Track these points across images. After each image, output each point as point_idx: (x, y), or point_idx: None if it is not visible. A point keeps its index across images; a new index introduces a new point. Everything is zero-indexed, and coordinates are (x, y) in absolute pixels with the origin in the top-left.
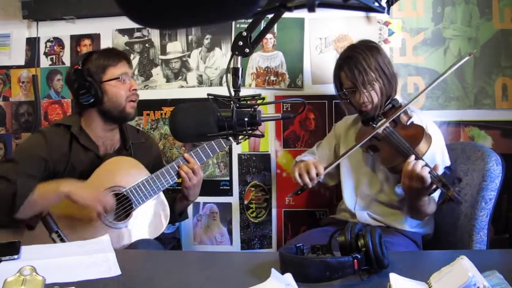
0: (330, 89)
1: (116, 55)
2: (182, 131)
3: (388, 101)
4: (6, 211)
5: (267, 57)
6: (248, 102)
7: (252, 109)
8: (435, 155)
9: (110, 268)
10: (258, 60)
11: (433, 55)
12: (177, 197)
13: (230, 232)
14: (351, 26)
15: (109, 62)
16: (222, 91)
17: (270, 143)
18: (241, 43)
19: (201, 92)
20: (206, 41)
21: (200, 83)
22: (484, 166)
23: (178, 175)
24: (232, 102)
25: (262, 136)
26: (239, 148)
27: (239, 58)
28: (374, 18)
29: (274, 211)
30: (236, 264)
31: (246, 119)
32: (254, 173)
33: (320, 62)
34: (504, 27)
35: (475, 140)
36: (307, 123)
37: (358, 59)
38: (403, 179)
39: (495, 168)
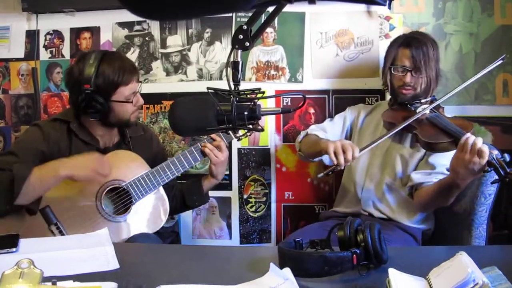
0: (330, 83)
1: (129, 73)
2: (181, 125)
3: (430, 95)
4: (6, 198)
5: (267, 51)
6: (248, 96)
7: (252, 103)
8: None
9: (109, 261)
10: (258, 54)
11: None
12: (202, 178)
13: (229, 226)
14: (352, 21)
15: (121, 81)
16: (222, 85)
17: (269, 137)
18: (241, 36)
19: (201, 86)
20: (206, 35)
21: (200, 77)
22: None
23: (202, 154)
24: (231, 96)
25: (262, 130)
26: (239, 142)
27: (239, 51)
28: (375, 13)
29: (273, 206)
30: (234, 258)
31: (245, 113)
32: (253, 168)
33: (320, 57)
34: (505, 23)
35: (475, 136)
36: (307, 118)
37: (426, 44)
38: (460, 154)
39: (508, 160)
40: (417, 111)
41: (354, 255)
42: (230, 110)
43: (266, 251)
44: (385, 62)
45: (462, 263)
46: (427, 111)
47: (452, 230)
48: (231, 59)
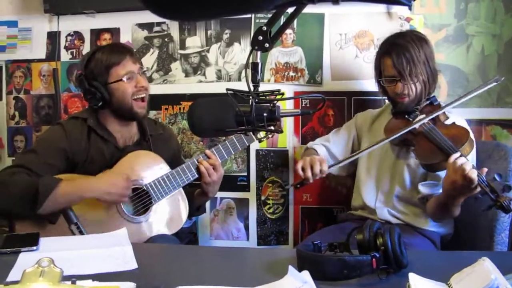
0: (349, 85)
1: (118, 52)
2: (200, 126)
3: (427, 98)
4: (28, 206)
5: (286, 52)
6: (267, 97)
7: (271, 105)
8: (473, 161)
9: (127, 261)
10: (277, 55)
11: (455, 52)
12: (195, 192)
13: (246, 227)
14: (371, 22)
15: (112, 61)
16: (241, 86)
17: (288, 139)
18: (260, 37)
19: (220, 87)
20: (225, 36)
21: (219, 78)
22: (507, 166)
23: (198, 170)
24: (251, 97)
25: (281, 131)
26: (257, 143)
27: (259, 53)
28: (395, 14)
29: (291, 208)
30: (252, 260)
31: (265, 114)
32: (271, 169)
33: (339, 58)
34: None
35: (496, 139)
36: (326, 120)
37: (408, 47)
38: (450, 174)
39: (500, 182)
40: (414, 122)
41: (374, 259)
42: (249, 111)
43: (284, 253)
44: (374, 73)
45: (485, 269)
46: (417, 125)
47: (473, 235)
48: (251, 60)
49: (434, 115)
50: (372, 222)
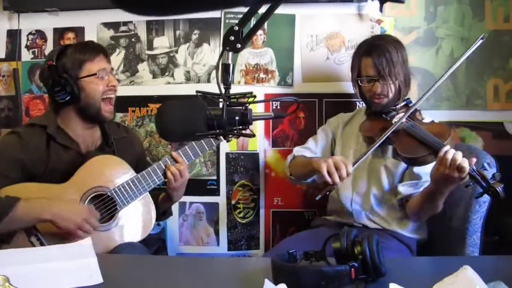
0: (320, 87)
1: (93, 49)
2: (168, 130)
3: (402, 99)
4: None
5: (256, 53)
6: (239, 100)
7: (243, 108)
8: None
9: (91, 275)
10: (247, 56)
11: (426, 55)
12: (160, 197)
13: (217, 232)
14: (342, 24)
15: (86, 57)
16: (211, 88)
17: (258, 142)
18: (232, 38)
19: (189, 89)
20: (194, 36)
21: (188, 79)
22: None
23: (165, 175)
24: (222, 99)
25: (253, 135)
26: (227, 146)
27: (230, 53)
28: (366, 16)
29: (262, 212)
30: (225, 270)
31: (237, 118)
32: (242, 173)
33: (310, 60)
34: (496, 28)
35: (465, 141)
36: (297, 122)
37: (388, 49)
38: (439, 167)
39: (489, 170)
40: (393, 121)
41: (352, 269)
42: (220, 115)
43: (257, 262)
44: (351, 74)
45: (468, 279)
46: (404, 120)
47: (446, 238)
48: (221, 62)
49: (411, 110)
50: (349, 229)
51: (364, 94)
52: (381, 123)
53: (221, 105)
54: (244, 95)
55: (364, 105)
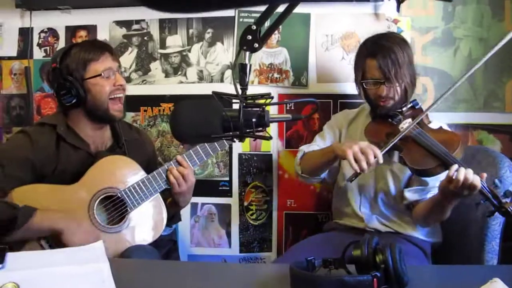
0: (335, 88)
1: (98, 48)
2: (183, 132)
3: (409, 101)
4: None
5: (270, 53)
6: (256, 101)
7: (261, 109)
8: None
9: (103, 280)
10: (261, 56)
11: (443, 56)
12: (167, 201)
13: (228, 234)
14: (358, 23)
15: (90, 57)
16: (224, 88)
17: (272, 143)
18: (249, 37)
19: (201, 88)
20: (207, 35)
21: (201, 79)
22: (496, 173)
23: (168, 180)
24: (239, 101)
25: (270, 138)
26: (240, 147)
27: (247, 53)
28: (382, 15)
29: (274, 214)
30: (238, 277)
31: (254, 119)
32: (254, 174)
33: (325, 60)
34: None
35: (483, 144)
36: (311, 123)
37: (393, 49)
38: (449, 185)
39: (508, 175)
40: (400, 126)
41: (375, 279)
42: (237, 116)
43: (271, 269)
44: (355, 75)
45: None
46: (412, 126)
47: (463, 244)
48: (237, 61)
49: (420, 117)
50: (370, 237)
51: (369, 96)
52: (387, 127)
53: (236, 106)
54: (262, 96)
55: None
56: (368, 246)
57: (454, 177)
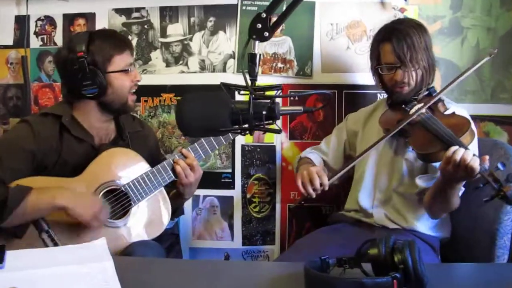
0: (340, 78)
1: (122, 43)
2: (190, 124)
3: (426, 88)
4: None
5: (274, 42)
6: (266, 93)
7: (271, 101)
8: (475, 150)
9: (107, 280)
10: (264, 45)
11: (450, 45)
12: (170, 194)
13: (231, 227)
14: (364, 12)
15: (115, 51)
16: (227, 78)
17: (275, 134)
18: (259, 25)
19: (203, 78)
20: (209, 24)
21: (202, 68)
22: (508, 166)
23: (174, 171)
24: (248, 92)
25: (279, 131)
26: (243, 139)
27: (257, 42)
28: (389, 4)
29: (278, 206)
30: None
31: (264, 112)
32: (258, 166)
33: (330, 49)
34: None
35: (490, 135)
36: (315, 114)
37: (409, 33)
38: (446, 166)
39: (503, 170)
40: (411, 112)
41: (395, 280)
42: (246, 109)
43: (284, 269)
44: (371, 62)
45: None
46: (423, 111)
47: (473, 239)
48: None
49: (431, 102)
50: (388, 235)
51: (385, 84)
52: (400, 114)
53: (239, 98)
54: (272, 87)
55: (384, 96)
56: (386, 245)
57: (451, 156)
